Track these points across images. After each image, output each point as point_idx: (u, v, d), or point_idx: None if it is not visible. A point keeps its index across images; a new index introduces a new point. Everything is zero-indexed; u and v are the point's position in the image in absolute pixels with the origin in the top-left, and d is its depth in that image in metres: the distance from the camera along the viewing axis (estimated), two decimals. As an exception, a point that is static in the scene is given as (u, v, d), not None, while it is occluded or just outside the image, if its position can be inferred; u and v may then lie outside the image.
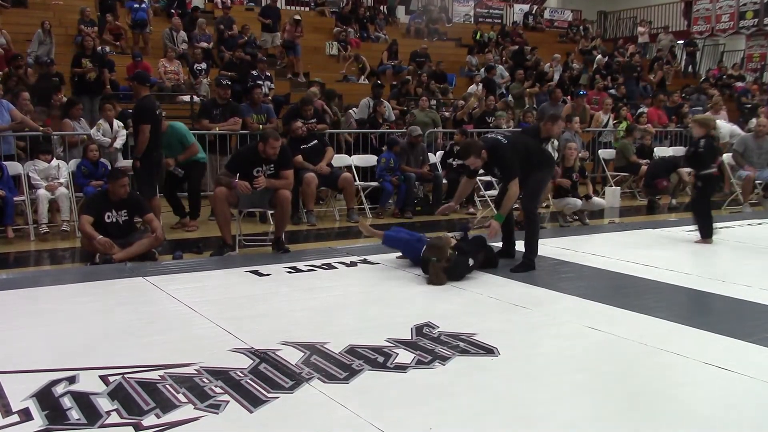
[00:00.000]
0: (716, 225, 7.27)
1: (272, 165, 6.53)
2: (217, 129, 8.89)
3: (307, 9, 18.46)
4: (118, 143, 8.36)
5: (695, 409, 3.14)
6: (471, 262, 5.51)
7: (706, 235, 7.13)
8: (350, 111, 11.46)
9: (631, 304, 4.75)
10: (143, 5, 13.91)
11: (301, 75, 14.25)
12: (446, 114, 12.47)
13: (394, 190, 9.32)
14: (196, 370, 3.46)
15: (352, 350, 3.77)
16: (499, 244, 6.40)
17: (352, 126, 10.93)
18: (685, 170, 11.14)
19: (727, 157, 10.74)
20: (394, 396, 3.23)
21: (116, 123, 8.42)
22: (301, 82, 13.69)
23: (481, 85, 14.09)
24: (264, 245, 6.97)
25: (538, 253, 6.03)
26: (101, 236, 5.95)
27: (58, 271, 6.05)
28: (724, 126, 11.90)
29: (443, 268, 5.31)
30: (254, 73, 12.06)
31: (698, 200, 7.25)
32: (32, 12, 13.50)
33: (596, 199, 8.89)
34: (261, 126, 9.04)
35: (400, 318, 4.39)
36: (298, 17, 14.98)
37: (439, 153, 10.53)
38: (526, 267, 5.86)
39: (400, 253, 6.14)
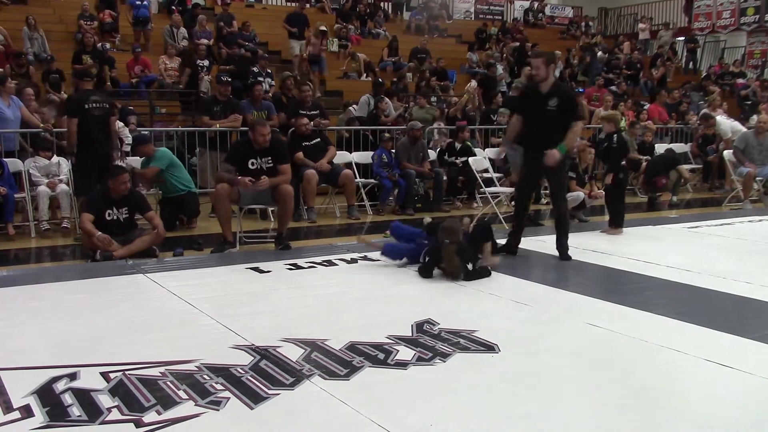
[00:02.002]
0: (716, 222, 7.26)
1: (269, 158, 6.52)
2: (218, 126, 8.90)
3: (308, 5, 18.43)
4: (124, 145, 8.40)
5: (696, 407, 3.14)
6: (470, 266, 5.34)
7: (619, 224, 7.48)
8: (350, 108, 11.45)
9: (632, 301, 4.75)
10: (145, 2, 13.89)
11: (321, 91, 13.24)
12: (446, 110, 12.46)
13: (393, 186, 9.32)
14: (196, 366, 3.46)
15: (352, 347, 3.77)
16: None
17: (353, 123, 10.91)
18: (685, 167, 11.16)
19: (727, 153, 10.75)
20: (394, 393, 3.23)
21: (117, 125, 8.44)
22: (325, 100, 12.59)
23: (475, 82, 14.04)
24: (264, 242, 6.97)
25: (539, 250, 6.05)
26: (100, 233, 5.96)
27: (58, 268, 6.05)
28: (725, 122, 11.91)
29: (455, 250, 5.24)
30: (255, 69, 12.05)
31: (615, 191, 7.52)
32: (33, 9, 13.49)
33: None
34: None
35: (400, 315, 4.39)
36: (323, 28, 14.42)
37: (437, 150, 10.49)
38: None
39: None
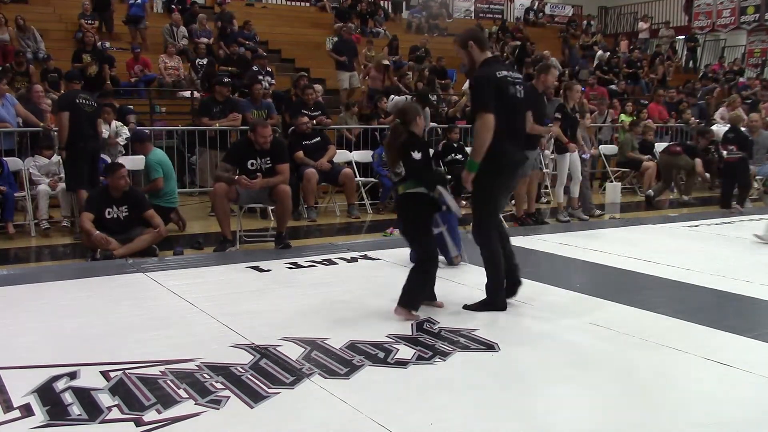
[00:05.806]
0: (716, 221, 7.26)
1: (268, 158, 6.52)
2: (217, 125, 8.90)
3: (308, 4, 18.45)
4: (121, 140, 8.38)
5: (696, 405, 3.15)
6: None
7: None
8: (394, 97, 11.26)
9: (632, 299, 4.75)
10: (138, 0, 13.87)
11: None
12: (446, 109, 12.45)
13: (393, 185, 9.29)
14: (196, 365, 3.47)
15: (352, 346, 3.78)
16: None
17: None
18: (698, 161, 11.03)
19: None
20: (394, 391, 3.23)
21: (115, 123, 8.43)
22: (325, 98, 11.19)
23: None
24: (265, 241, 6.97)
25: (540, 249, 5.99)
26: (98, 232, 5.97)
27: (58, 267, 6.04)
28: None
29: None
30: (254, 68, 12.03)
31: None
32: (32, 8, 13.49)
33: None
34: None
35: (400, 314, 4.39)
36: (386, 62, 12.86)
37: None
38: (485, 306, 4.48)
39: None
